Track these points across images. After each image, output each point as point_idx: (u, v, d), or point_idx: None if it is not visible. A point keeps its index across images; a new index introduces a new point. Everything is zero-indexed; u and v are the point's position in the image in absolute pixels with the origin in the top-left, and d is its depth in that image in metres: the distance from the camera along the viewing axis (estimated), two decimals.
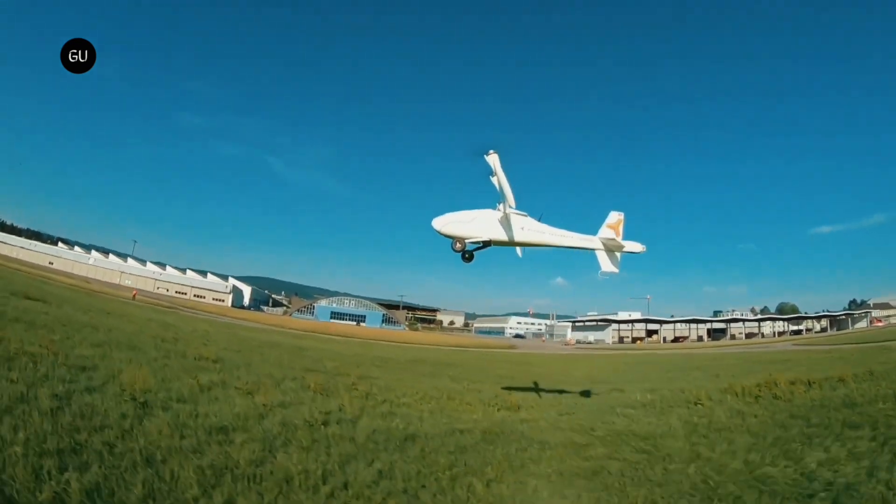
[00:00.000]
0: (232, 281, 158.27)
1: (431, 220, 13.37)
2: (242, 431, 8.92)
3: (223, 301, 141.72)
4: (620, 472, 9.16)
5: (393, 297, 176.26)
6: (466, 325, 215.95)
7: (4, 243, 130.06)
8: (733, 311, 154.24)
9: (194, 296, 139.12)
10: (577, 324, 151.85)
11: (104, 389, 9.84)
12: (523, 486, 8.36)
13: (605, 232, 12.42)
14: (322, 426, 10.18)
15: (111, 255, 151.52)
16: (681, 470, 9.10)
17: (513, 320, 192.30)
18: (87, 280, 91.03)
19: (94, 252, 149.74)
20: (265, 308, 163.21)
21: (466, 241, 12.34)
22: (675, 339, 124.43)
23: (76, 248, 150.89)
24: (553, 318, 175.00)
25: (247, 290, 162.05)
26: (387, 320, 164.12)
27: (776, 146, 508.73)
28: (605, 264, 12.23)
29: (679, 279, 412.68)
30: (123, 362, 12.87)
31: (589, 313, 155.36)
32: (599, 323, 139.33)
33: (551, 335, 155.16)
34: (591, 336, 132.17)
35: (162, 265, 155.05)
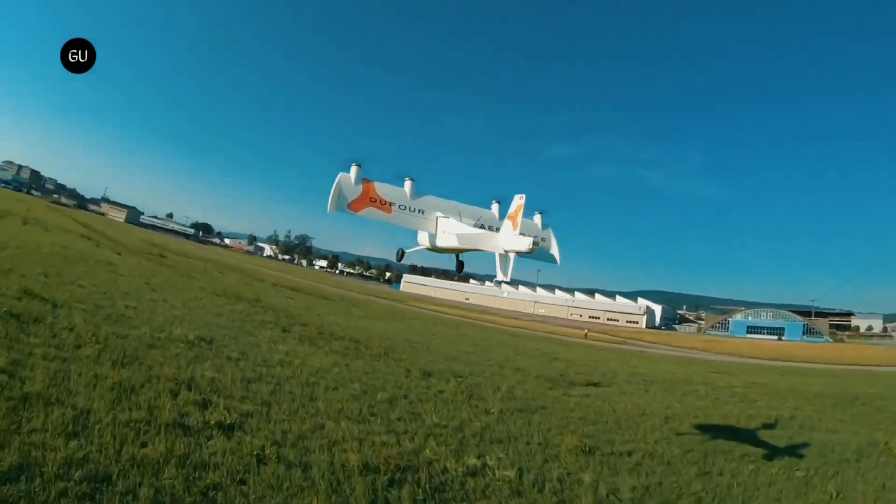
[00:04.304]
0: (641, 301, 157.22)
1: None
2: None
3: (637, 323, 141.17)
4: None
5: (796, 300, 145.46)
6: (885, 329, 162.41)
7: (432, 286, 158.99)
8: None
9: (607, 319, 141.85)
10: None
11: None
12: None
13: (504, 227, 8.44)
14: None
15: (521, 287, 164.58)
16: None
17: None
18: (510, 314, 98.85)
19: (504, 285, 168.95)
20: (676, 327, 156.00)
21: (410, 250, 9.58)
22: None
23: (486, 282, 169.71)
24: None
25: (657, 309, 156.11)
26: (807, 331, 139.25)
27: None
28: (499, 268, 8.17)
29: None
30: None
31: None
32: None
33: None
34: None
35: (570, 291, 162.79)
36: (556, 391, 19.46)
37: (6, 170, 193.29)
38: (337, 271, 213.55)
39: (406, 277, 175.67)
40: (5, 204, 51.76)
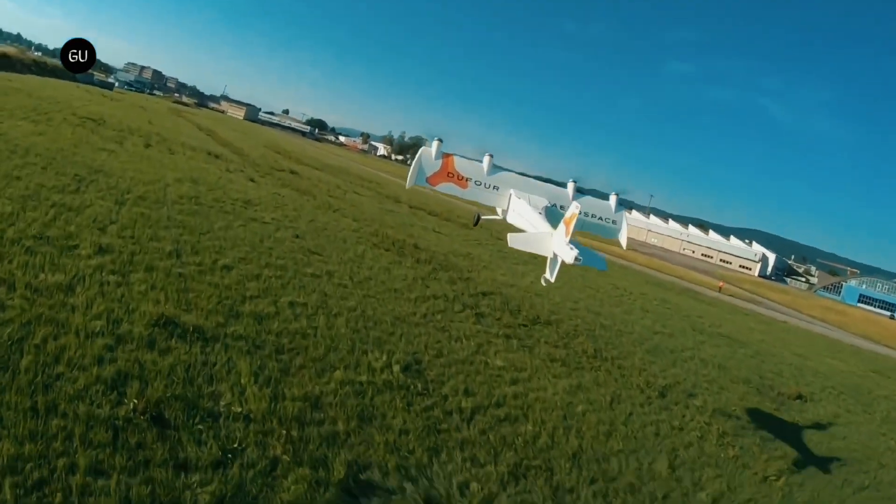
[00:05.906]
0: (756, 247, 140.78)
1: None
2: None
3: (750, 270, 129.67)
4: None
5: None
6: None
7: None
8: None
9: (720, 260, 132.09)
10: None
11: None
12: None
13: (558, 230, 8.46)
14: None
15: (633, 211, 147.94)
16: None
17: None
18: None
19: None
20: (788, 280, 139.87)
21: (486, 217, 10.75)
22: None
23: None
24: None
25: (771, 258, 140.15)
26: None
27: None
28: (548, 268, 8.44)
29: None
30: None
31: None
32: None
33: None
34: None
35: (684, 223, 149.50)
36: (782, 415, 17.24)
37: (129, 71, 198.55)
38: None
39: None
40: (127, 117, 46.42)
